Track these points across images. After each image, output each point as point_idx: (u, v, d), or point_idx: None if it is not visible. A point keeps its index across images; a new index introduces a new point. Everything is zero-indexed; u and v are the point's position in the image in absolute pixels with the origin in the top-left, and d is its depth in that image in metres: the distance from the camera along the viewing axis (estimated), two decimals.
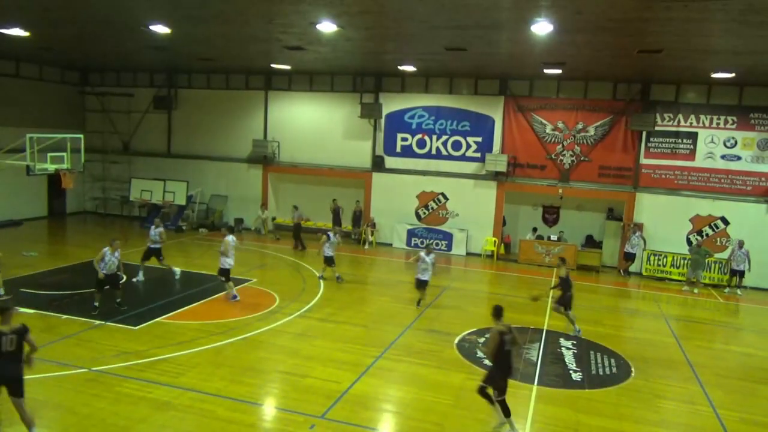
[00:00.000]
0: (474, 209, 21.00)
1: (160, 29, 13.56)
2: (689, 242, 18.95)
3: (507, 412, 8.03)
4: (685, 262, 18.52)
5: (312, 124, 22.78)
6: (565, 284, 12.66)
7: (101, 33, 14.88)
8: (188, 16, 12.28)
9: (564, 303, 12.67)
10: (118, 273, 12.39)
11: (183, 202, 23.20)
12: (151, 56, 19.14)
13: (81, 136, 16.65)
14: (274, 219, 23.60)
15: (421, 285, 14.00)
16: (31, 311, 12.21)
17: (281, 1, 10.40)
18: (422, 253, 14.03)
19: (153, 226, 15.04)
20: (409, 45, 14.61)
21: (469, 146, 21.01)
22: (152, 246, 14.81)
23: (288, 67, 20.41)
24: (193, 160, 24.20)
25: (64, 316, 11.95)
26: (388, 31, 13.01)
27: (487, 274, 18.95)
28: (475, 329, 12.56)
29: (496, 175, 20.48)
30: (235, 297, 13.46)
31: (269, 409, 8.72)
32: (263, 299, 14.00)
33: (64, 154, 15.80)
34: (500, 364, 8.12)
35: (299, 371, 9.86)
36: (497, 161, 20.10)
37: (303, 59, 17.87)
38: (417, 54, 16.07)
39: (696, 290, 17.66)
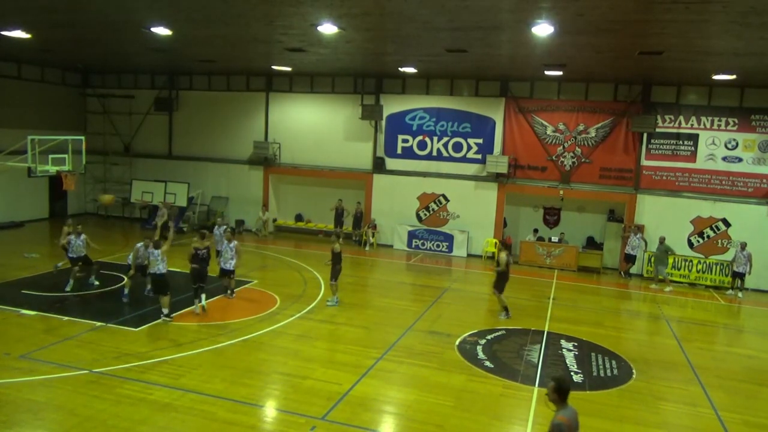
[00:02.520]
0: (475, 211, 21.01)
1: (161, 31, 13.58)
2: (690, 244, 18.95)
3: None
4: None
5: (313, 125, 22.80)
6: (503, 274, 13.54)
7: (102, 35, 14.90)
8: (189, 18, 12.29)
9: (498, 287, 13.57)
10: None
11: (184, 204, 23.22)
12: (152, 58, 19.16)
13: (82, 137, 16.65)
14: (275, 220, 23.61)
15: None
16: (33, 313, 12.22)
17: (282, 2, 10.41)
18: None
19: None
20: (409, 46, 14.63)
21: (470, 148, 21.02)
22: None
23: (289, 69, 20.45)
24: (194, 162, 24.22)
25: (66, 318, 11.95)
26: (388, 33, 13.03)
27: (488, 275, 18.90)
28: (476, 331, 12.55)
29: (496, 177, 20.48)
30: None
31: (270, 410, 8.71)
32: (264, 300, 14.00)
33: (66, 155, 15.82)
34: None
35: (300, 373, 9.86)
36: (498, 163, 20.10)
37: (304, 61, 17.89)
38: (418, 55, 16.09)
39: (668, 288, 17.61)
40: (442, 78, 20.91)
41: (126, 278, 13.76)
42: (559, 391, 5.37)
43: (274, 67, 20.16)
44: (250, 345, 11.09)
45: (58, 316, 12.01)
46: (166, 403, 8.49)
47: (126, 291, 13.43)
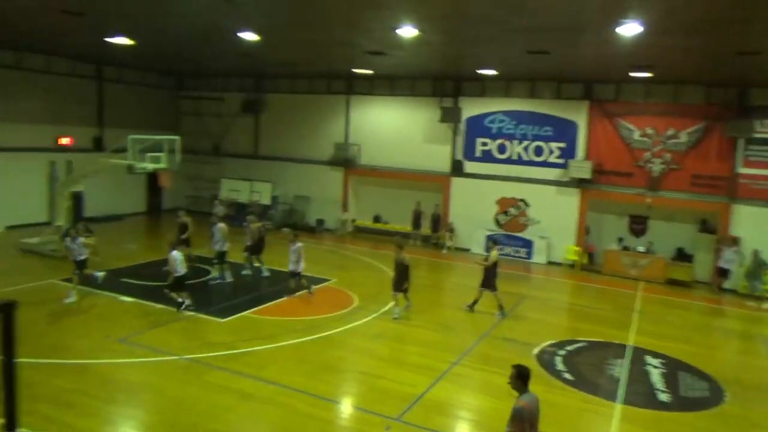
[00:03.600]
0: (556, 217, 20.45)
1: (249, 36, 14.20)
2: None
3: None
4: None
5: (392, 127, 23.04)
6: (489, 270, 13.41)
7: (195, 41, 15.78)
8: (275, 23, 12.81)
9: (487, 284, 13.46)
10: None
11: (268, 202, 24.15)
12: (240, 62, 20.06)
13: (177, 137, 17.67)
14: (353, 221, 24.05)
15: None
16: (130, 299, 13.16)
17: (363, 7, 10.62)
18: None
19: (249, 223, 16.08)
20: (489, 49, 14.48)
21: (551, 152, 20.49)
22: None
23: (369, 72, 20.78)
24: (278, 162, 25.11)
25: (159, 306, 12.76)
26: (467, 35, 12.96)
27: (568, 284, 18.39)
28: (555, 341, 12.22)
29: (579, 182, 19.83)
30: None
31: (346, 407, 8.92)
32: (342, 299, 14.31)
33: (162, 154, 16.81)
34: None
35: (376, 372, 10.02)
36: (581, 168, 19.47)
37: (384, 64, 18.12)
38: (497, 58, 15.89)
39: (766, 305, 16.33)
40: (522, 80, 20.53)
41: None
42: (521, 377, 5.81)
43: (355, 70, 20.55)
44: (328, 342, 11.39)
45: (152, 304, 12.85)
46: (249, 392, 8.89)
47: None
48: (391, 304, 13.19)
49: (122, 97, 24.14)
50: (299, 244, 14.12)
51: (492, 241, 14.02)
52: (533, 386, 9.27)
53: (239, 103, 25.55)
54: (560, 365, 10.87)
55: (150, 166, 16.68)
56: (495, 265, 13.72)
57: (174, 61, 22.11)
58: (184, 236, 16.03)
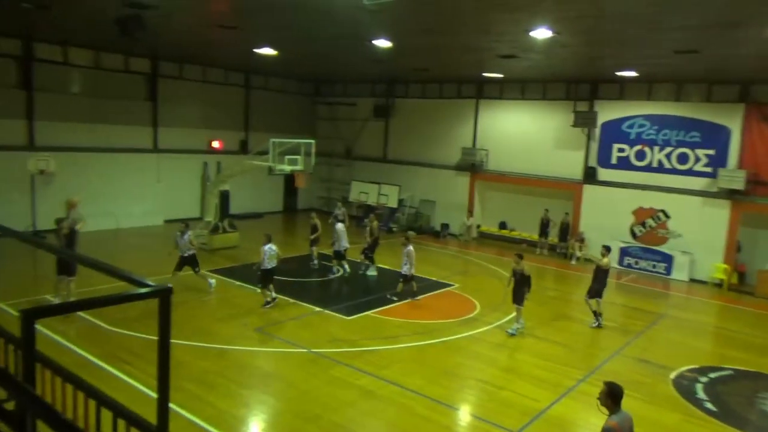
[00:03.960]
0: (701, 230, 18.67)
1: (383, 43, 14.64)
2: None
3: None
4: None
5: (522, 132, 22.49)
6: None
7: (332, 49, 16.60)
8: (407, 30, 13.08)
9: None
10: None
11: (395, 205, 24.71)
12: (372, 69, 20.75)
13: (312, 141, 18.71)
14: (478, 227, 23.82)
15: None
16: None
17: (496, 10, 10.50)
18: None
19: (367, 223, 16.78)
20: (630, 49, 13.63)
21: (697, 159, 18.76)
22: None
23: (500, 76, 20.47)
24: (405, 166, 25.59)
25: (292, 300, 13.59)
26: (607, 36, 12.31)
27: (713, 305, 16.72)
28: (696, 366, 11.19)
29: (730, 194, 17.93)
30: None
31: (464, 414, 8.87)
32: (464, 305, 14.24)
33: (299, 157, 17.89)
34: None
35: (496, 382, 9.84)
36: (733, 177, 17.60)
37: (515, 67, 17.77)
38: (639, 58, 14.89)
39: None
40: (666, 82, 19.01)
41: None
42: (612, 395, 5.42)
43: (486, 75, 20.35)
44: (449, 347, 11.39)
45: (286, 298, 13.70)
46: (370, 390, 9.17)
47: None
48: (514, 314, 12.86)
49: (266, 103, 26.04)
50: (410, 247, 14.16)
51: (604, 247, 13.24)
52: (669, 413, 8.60)
53: (370, 108, 26.41)
54: (701, 393, 9.93)
55: (288, 167, 17.79)
56: (606, 272, 13.12)
57: (312, 69, 23.41)
58: (314, 236, 16.94)
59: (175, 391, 7.14)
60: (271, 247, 13.22)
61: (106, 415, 3.47)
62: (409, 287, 14.17)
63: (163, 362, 3.06)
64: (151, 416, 3.16)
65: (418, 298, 14.21)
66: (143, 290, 3.03)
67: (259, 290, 13.35)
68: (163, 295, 3.04)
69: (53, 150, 18.97)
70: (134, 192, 21.66)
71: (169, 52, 20.61)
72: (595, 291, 13.11)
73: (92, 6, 12.32)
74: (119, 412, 3.55)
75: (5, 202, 18.03)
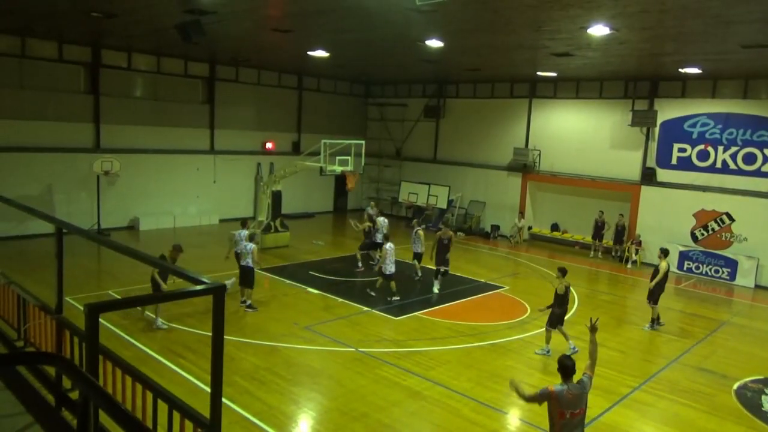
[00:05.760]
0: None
1: (434, 43, 14.59)
2: None
3: None
4: None
5: (576, 132, 21.95)
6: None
7: (384, 50, 16.67)
8: (459, 29, 12.99)
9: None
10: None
11: (444, 206, 24.58)
12: (423, 69, 20.71)
13: (362, 142, 18.87)
14: (530, 228, 23.41)
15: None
16: (316, 291, 14.35)
17: (551, 7, 10.28)
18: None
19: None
20: (694, 44, 13.08)
21: (765, 160, 17.82)
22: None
23: (554, 74, 20.05)
24: (455, 166, 25.42)
25: (340, 299, 13.74)
26: (669, 31, 11.84)
27: None
28: (762, 377, 10.64)
29: None
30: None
31: (513, 419, 8.75)
32: (514, 308, 14.04)
33: (349, 157, 18.09)
34: None
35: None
36: None
37: (570, 65, 17.35)
38: (703, 54, 14.27)
39: None
40: (733, 79, 18.14)
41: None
42: (560, 368, 6.30)
43: (539, 73, 19.98)
44: (498, 350, 11.26)
45: (335, 297, 13.87)
46: (416, 390, 9.17)
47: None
48: (567, 316, 12.52)
49: (317, 104, 26.42)
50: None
51: (661, 251, 12.91)
52: (730, 426, 8.22)
53: (421, 109, 26.37)
54: (767, 406, 9.44)
55: (338, 168, 18.01)
56: (665, 277, 12.94)
57: (363, 70, 23.59)
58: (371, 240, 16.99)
59: (227, 386, 7.39)
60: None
61: (162, 407, 3.62)
62: (387, 285, 13.85)
63: (216, 357, 3.18)
64: (203, 409, 3.29)
65: (393, 300, 13.78)
66: (199, 287, 3.16)
67: (310, 290, 13.55)
68: (217, 293, 3.15)
69: (117, 152, 19.87)
70: (191, 192, 22.42)
71: (227, 57, 21.21)
72: (655, 297, 12.97)
73: (154, 13, 12.84)
74: (174, 404, 3.70)
75: (73, 201, 19.03)
